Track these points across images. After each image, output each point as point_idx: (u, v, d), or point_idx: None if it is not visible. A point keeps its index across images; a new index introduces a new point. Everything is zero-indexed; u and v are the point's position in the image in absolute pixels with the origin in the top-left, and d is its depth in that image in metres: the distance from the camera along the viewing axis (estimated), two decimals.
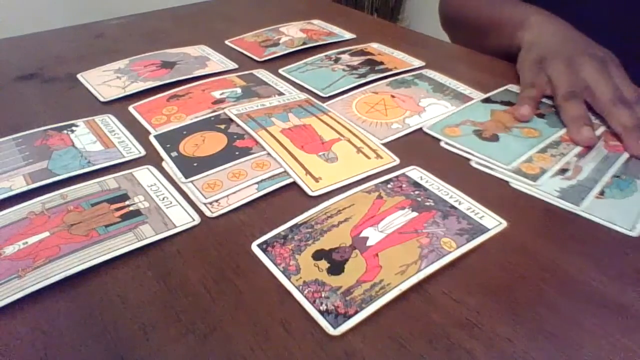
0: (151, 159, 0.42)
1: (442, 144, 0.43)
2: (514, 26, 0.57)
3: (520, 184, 0.38)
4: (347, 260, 0.31)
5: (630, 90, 0.45)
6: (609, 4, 0.59)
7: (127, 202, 0.37)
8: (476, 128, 0.45)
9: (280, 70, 0.57)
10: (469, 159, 0.41)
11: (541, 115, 0.46)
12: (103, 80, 0.55)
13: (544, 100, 0.48)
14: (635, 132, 0.41)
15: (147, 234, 0.34)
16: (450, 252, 0.32)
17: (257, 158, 0.41)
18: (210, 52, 0.62)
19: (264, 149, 0.42)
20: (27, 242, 0.33)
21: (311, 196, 0.37)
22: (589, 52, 0.48)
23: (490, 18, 0.63)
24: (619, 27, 0.57)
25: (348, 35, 0.67)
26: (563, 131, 0.44)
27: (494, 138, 0.43)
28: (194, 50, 0.63)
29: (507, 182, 0.38)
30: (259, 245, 0.33)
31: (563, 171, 0.39)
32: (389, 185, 0.38)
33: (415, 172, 0.40)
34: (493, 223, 0.34)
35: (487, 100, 0.49)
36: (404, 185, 0.38)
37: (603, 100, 0.44)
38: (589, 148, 0.41)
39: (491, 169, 0.40)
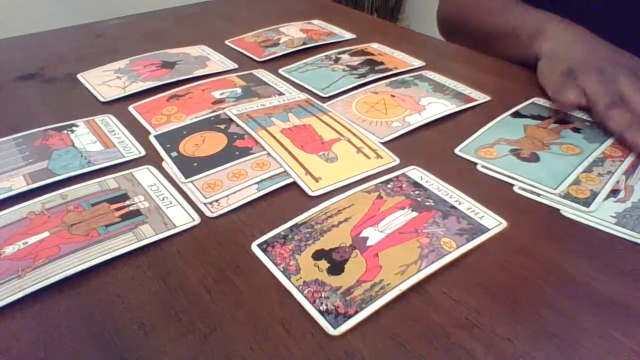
0: (151, 159, 0.42)
1: (478, 167, 0.40)
2: (529, 35, 0.55)
3: (572, 212, 0.35)
4: (347, 260, 0.31)
5: None
6: (615, 1, 0.58)
7: (127, 202, 0.37)
8: (512, 147, 0.42)
9: (280, 70, 0.57)
10: (509, 183, 0.38)
11: (576, 130, 0.44)
12: (103, 80, 0.55)
13: (576, 114, 0.46)
14: None
15: (147, 234, 0.34)
16: (450, 252, 0.32)
17: (257, 158, 0.41)
18: (210, 52, 0.62)
19: (264, 149, 0.42)
20: (27, 242, 0.33)
21: (311, 196, 0.37)
22: (620, 64, 0.46)
23: (498, 26, 0.61)
24: (626, 24, 0.56)
25: (348, 35, 0.67)
26: (604, 146, 0.42)
27: (534, 158, 0.41)
28: (194, 50, 0.63)
29: (558, 209, 0.36)
30: (259, 245, 0.33)
31: (614, 192, 0.37)
32: (389, 185, 0.38)
33: (415, 172, 0.40)
34: (493, 223, 0.34)
35: (516, 115, 0.47)
36: (404, 185, 0.38)
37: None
38: None
39: (537, 194, 0.37)
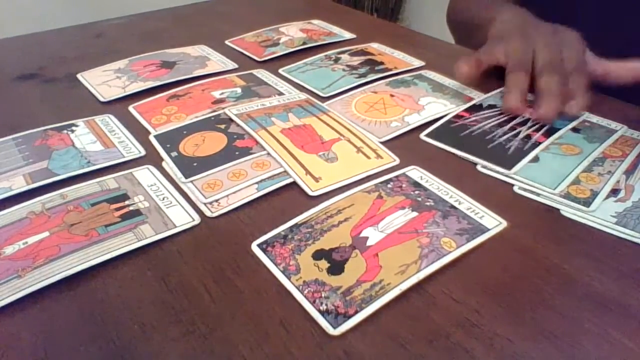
0: (151, 159, 0.42)
1: (478, 167, 0.40)
2: (487, 25, 0.56)
3: (572, 212, 0.35)
4: (347, 260, 0.31)
5: (572, 59, 0.45)
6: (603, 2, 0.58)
7: (127, 202, 0.36)
8: None
9: (280, 70, 0.57)
10: (509, 183, 0.38)
11: (576, 130, 0.44)
12: (103, 80, 0.55)
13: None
14: (554, 99, 0.43)
15: (147, 234, 0.34)
16: (450, 252, 0.32)
17: (257, 158, 0.41)
18: (210, 52, 0.62)
19: (264, 149, 0.42)
20: (27, 242, 0.33)
21: (311, 196, 0.37)
22: (547, 28, 0.48)
23: (473, 18, 0.64)
24: (615, 24, 0.56)
25: (348, 35, 0.67)
26: (604, 146, 0.41)
27: (534, 157, 0.40)
28: (194, 50, 0.63)
29: (558, 209, 0.36)
30: (259, 245, 0.33)
31: (614, 192, 0.36)
32: (389, 185, 0.38)
33: (415, 172, 0.40)
34: (493, 223, 0.34)
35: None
36: (404, 185, 0.38)
37: (538, 66, 0.45)
38: (512, 116, 0.44)
39: (537, 194, 0.37)
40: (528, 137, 0.43)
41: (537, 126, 0.44)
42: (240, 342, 0.27)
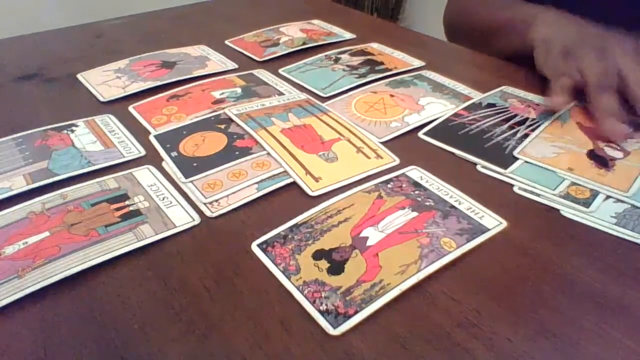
0: (151, 159, 0.42)
1: (478, 167, 0.40)
2: (525, 25, 0.55)
3: (572, 212, 0.35)
4: (347, 260, 0.31)
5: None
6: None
7: (127, 202, 0.36)
8: None
9: (280, 70, 0.57)
10: (509, 183, 0.38)
11: None
12: (103, 80, 0.55)
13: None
14: None
15: (147, 234, 0.34)
16: (450, 252, 0.32)
17: (257, 158, 0.41)
18: (210, 52, 0.62)
19: (264, 149, 0.42)
20: (27, 242, 0.33)
21: (311, 196, 0.37)
22: (617, 40, 0.46)
23: (497, 20, 0.62)
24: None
25: (348, 35, 0.67)
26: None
27: None
28: (194, 50, 0.63)
29: (558, 209, 0.36)
30: (259, 245, 0.33)
31: None
32: (389, 185, 0.38)
33: (415, 172, 0.40)
34: (493, 223, 0.34)
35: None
36: (404, 185, 0.38)
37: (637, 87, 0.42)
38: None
39: (537, 194, 0.37)
40: (526, 136, 0.43)
41: (535, 125, 0.44)
42: (240, 342, 0.27)
